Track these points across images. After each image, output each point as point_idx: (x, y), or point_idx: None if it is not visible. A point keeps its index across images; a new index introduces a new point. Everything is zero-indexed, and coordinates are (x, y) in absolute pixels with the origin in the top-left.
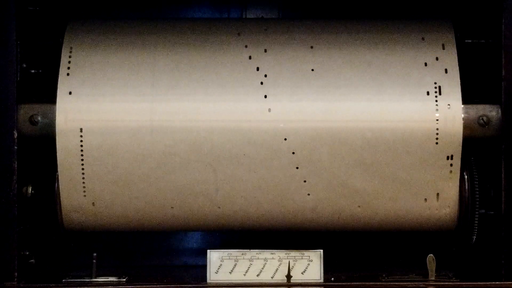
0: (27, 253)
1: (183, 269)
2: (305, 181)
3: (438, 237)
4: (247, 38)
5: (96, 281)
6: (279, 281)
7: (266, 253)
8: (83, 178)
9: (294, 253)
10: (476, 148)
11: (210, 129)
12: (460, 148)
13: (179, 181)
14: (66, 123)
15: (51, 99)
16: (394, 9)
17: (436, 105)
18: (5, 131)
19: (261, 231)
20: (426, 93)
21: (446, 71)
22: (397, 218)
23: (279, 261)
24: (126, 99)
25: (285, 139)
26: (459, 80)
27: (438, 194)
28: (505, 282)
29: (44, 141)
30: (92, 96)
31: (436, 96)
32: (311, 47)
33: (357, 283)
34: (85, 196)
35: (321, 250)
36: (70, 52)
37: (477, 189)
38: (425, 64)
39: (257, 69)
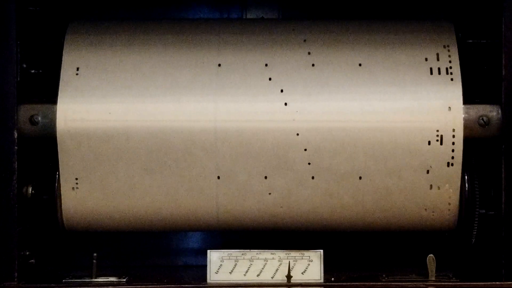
0: (27, 253)
1: (183, 269)
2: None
3: (438, 237)
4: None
5: (96, 281)
6: (279, 281)
7: (266, 253)
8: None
9: (294, 253)
10: (476, 148)
11: (214, 129)
12: (460, 148)
13: (180, 181)
14: (67, 123)
15: (52, 99)
16: (395, 9)
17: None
18: (5, 131)
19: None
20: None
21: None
22: (398, 218)
23: (279, 261)
24: (127, 100)
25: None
26: (460, 80)
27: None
28: (505, 282)
29: (44, 141)
30: (92, 97)
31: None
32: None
33: (357, 283)
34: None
35: (321, 250)
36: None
37: (477, 189)
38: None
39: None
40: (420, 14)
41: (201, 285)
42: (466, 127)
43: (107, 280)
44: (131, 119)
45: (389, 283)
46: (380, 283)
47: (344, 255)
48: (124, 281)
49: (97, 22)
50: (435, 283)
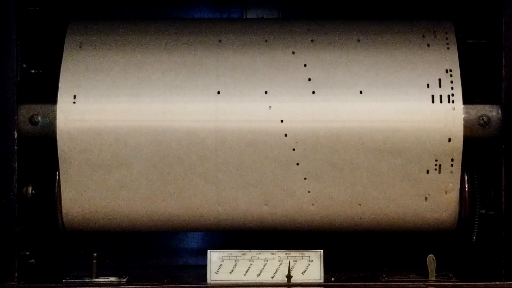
0: (27, 253)
1: (183, 269)
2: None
3: (438, 237)
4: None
5: (96, 281)
6: (279, 281)
7: (267, 253)
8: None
9: (294, 253)
10: (476, 148)
11: (215, 129)
12: (460, 148)
13: (180, 182)
14: (67, 123)
15: (52, 99)
16: (395, 9)
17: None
18: (5, 131)
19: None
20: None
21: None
22: (398, 218)
23: (279, 261)
24: (127, 100)
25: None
26: (460, 81)
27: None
28: (505, 282)
29: (44, 141)
30: (93, 97)
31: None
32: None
33: (357, 283)
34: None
35: (321, 250)
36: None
37: (477, 189)
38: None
39: None
40: (419, 14)
41: (201, 285)
42: (466, 127)
43: (107, 280)
44: (131, 119)
45: (389, 283)
46: (380, 283)
47: (344, 255)
48: (124, 281)
49: (97, 22)
50: (435, 283)
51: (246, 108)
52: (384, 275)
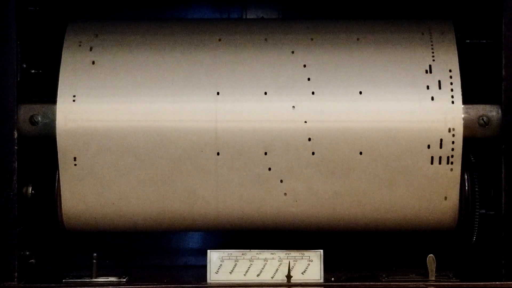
0: (27, 253)
1: (183, 269)
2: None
3: (438, 237)
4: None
5: (96, 281)
6: (279, 281)
7: (266, 253)
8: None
9: (294, 253)
10: (476, 148)
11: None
12: (460, 148)
13: (180, 182)
14: (66, 123)
15: (51, 99)
16: (395, 9)
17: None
18: (5, 131)
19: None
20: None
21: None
22: (397, 218)
23: (279, 261)
24: (127, 100)
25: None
26: (459, 80)
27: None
28: (505, 282)
29: (44, 141)
30: (92, 97)
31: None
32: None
33: (357, 283)
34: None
35: (321, 250)
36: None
37: (477, 189)
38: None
39: None
40: (419, 14)
41: (201, 285)
42: (466, 127)
43: (107, 280)
44: (131, 119)
45: (389, 283)
46: (380, 283)
47: (344, 255)
48: (124, 281)
49: (97, 22)
50: (435, 283)
51: (247, 169)
52: (384, 275)
